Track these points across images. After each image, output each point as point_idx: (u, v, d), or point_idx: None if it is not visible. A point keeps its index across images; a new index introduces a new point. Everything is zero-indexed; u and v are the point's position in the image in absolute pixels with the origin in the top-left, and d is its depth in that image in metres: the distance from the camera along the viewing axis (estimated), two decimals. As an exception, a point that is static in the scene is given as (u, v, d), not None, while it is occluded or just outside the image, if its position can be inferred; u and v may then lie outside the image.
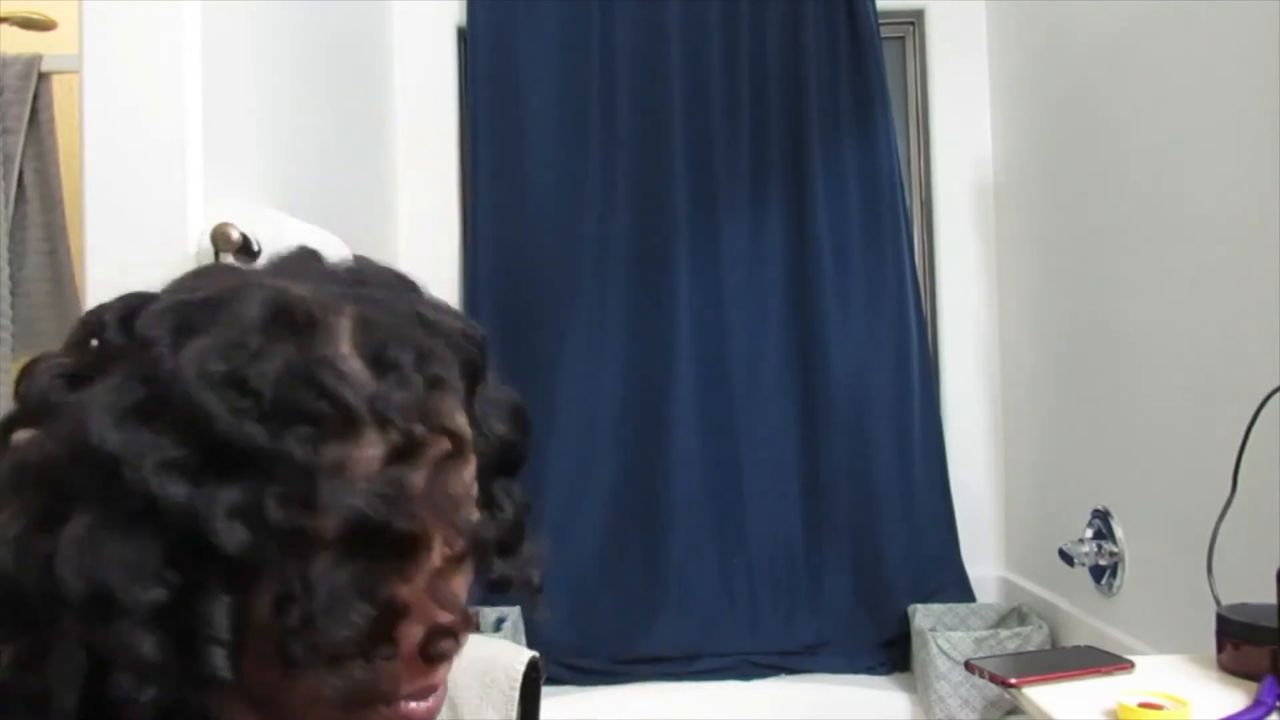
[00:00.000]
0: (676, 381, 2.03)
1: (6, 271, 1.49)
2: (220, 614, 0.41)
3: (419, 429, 0.44)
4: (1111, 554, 1.58)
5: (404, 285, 0.53)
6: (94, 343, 0.46)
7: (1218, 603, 0.97)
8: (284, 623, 0.42)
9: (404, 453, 0.44)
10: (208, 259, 1.06)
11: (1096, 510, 1.63)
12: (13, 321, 1.49)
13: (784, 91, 2.09)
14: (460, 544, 0.47)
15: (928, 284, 2.19)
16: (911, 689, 1.89)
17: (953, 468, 2.08)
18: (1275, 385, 1.01)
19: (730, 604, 2.02)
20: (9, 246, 1.50)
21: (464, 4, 2.14)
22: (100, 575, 0.40)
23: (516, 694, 0.72)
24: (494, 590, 0.55)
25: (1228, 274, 1.27)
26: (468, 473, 0.49)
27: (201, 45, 1.11)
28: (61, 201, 1.55)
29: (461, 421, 0.49)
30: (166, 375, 0.42)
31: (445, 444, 0.46)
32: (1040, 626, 1.78)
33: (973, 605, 1.98)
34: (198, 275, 0.52)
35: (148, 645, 0.40)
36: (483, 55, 2.09)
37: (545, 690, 0.76)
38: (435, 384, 0.46)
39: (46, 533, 0.41)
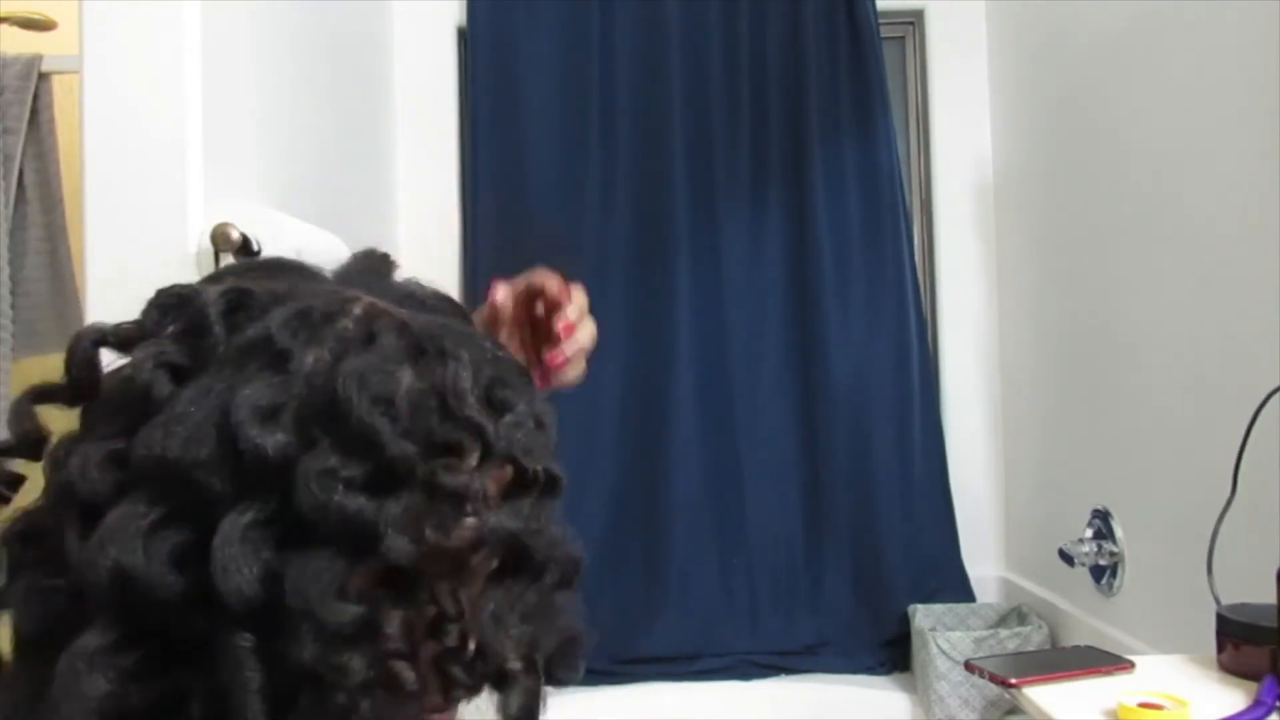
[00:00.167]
0: (676, 381, 2.03)
1: (6, 271, 1.49)
2: (395, 627, 0.42)
3: (537, 466, 0.47)
4: (1111, 554, 1.58)
5: (458, 311, 0.54)
6: (189, 333, 0.45)
7: (1218, 603, 0.97)
8: (443, 644, 0.44)
9: (522, 487, 0.47)
10: (208, 259, 1.06)
11: (1096, 510, 1.63)
12: (13, 321, 1.49)
13: (784, 91, 2.09)
14: (574, 571, 0.49)
15: (928, 284, 2.19)
16: (911, 689, 1.89)
17: (953, 468, 2.08)
18: (1275, 385, 1.01)
19: (730, 604, 2.02)
20: (9, 246, 1.50)
21: (464, 4, 2.14)
22: (290, 579, 0.40)
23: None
24: None
25: (1228, 274, 1.27)
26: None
27: (201, 45, 1.11)
28: (61, 201, 1.55)
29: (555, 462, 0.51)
30: (326, 389, 0.42)
31: (550, 481, 0.49)
32: (1040, 626, 1.78)
33: (973, 605, 1.98)
34: (273, 271, 0.51)
35: (354, 663, 0.41)
36: (483, 55, 2.09)
37: (545, 690, 0.76)
38: (540, 425, 0.49)
39: (178, 533, 0.41)
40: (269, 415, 0.42)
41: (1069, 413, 1.79)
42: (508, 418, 0.47)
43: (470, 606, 0.45)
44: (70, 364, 0.46)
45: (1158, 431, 1.45)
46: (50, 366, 0.50)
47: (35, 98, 1.54)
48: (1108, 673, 0.94)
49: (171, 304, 0.47)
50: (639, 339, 2.06)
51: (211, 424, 0.41)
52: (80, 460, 0.43)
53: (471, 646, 0.44)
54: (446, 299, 0.54)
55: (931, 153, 2.18)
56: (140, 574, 0.40)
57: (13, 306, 1.50)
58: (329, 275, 0.52)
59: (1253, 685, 0.88)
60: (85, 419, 0.47)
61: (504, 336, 0.74)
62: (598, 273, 2.06)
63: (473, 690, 0.45)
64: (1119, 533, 1.57)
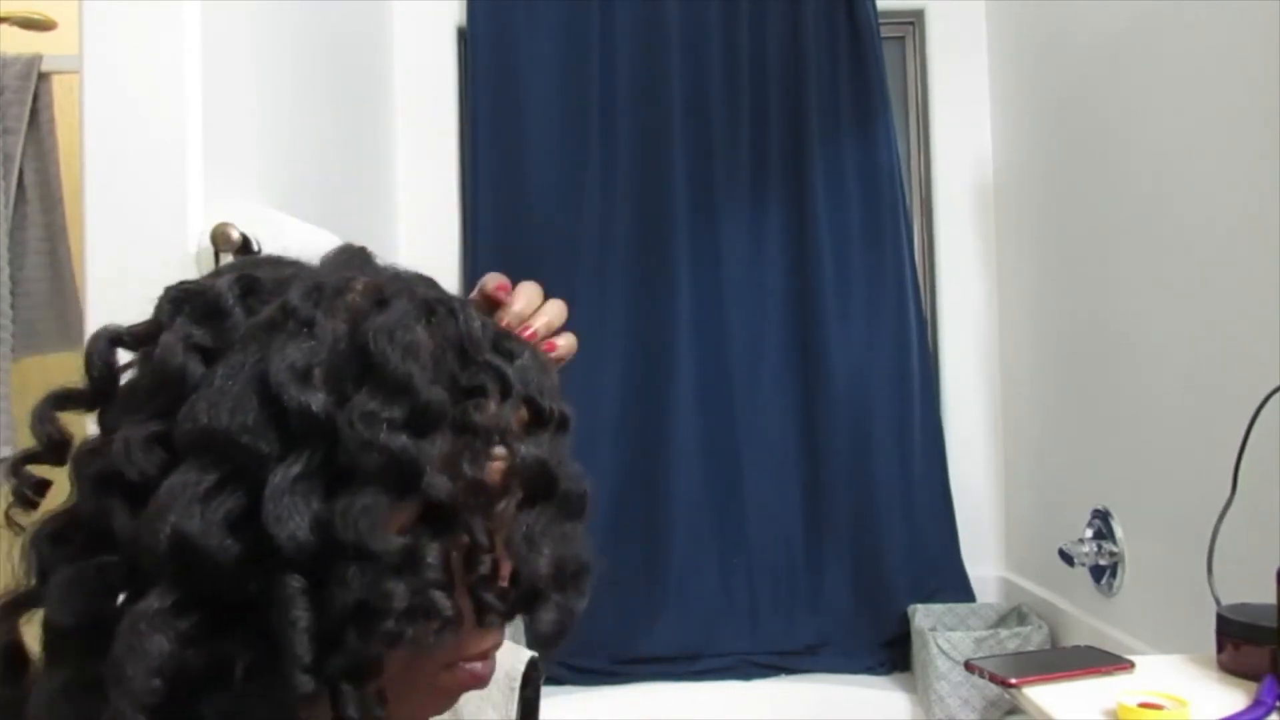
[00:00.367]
0: (676, 381, 2.03)
1: (6, 271, 1.49)
2: (435, 557, 0.45)
3: (551, 404, 0.51)
4: (1111, 554, 1.58)
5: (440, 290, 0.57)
6: (211, 316, 0.48)
7: (1218, 603, 0.97)
8: (477, 573, 0.47)
9: (540, 424, 0.51)
10: (208, 259, 1.06)
11: (1096, 510, 1.63)
12: (13, 321, 1.49)
13: (784, 91, 2.09)
14: (584, 502, 0.54)
15: (928, 284, 2.19)
16: (911, 689, 1.89)
17: (953, 468, 2.08)
18: (1275, 385, 1.01)
19: (730, 604, 2.01)
20: (9, 246, 1.50)
21: (464, 4, 2.14)
22: (338, 521, 0.43)
23: (516, 694, 0.72)
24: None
25: (1228, 274, 1.27)
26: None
27: (201, 45, 1.11)
28: (61, 201, 1.55)
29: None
30: (356, 345, 0.46)
31: (562, 419, 0.53)
32: (1040, 626, 1.78)
33: (973, 605, 1.98)
34: (273, 263, 0.53)
35: (399, 589, 0.43)
36: (483, 55, 2.09)
37: (545, 690, 0.76)
38: (545, 369, 0.53)
39: (230, 498, 0.43)
40: (305, 375, 0.45)
41: (1069, 413, 1.79)
42: (518, 362, 0.50)
43: (502, 536, 0.48)
44: (90, 366, 0.49)
45: (1158, 431, 1.45)
46: (50, 366, 0.52)
47: (35, 98, 1.54)
48: (1108, 673, 0.94)
49: (184, 296, 0.49)
50: (639, 339, 2.06)
51: (252, 392, 0.44)
52: (122, 444, 0.45)
53: (504, 574, 0.48)
54: (430, 279, 0.56)
55: (931, 153, 2.18)
56: (198, 538, 0.42)
57: (13, 306, 1.50)
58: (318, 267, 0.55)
59: (1253, 685, 0.87)
60: (114, 411, 0.49)
61: None
62: (598, 273, 2.06)
63: (505, 616, 0.48)
64: (1119, 533, 1.57)
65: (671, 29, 2.08)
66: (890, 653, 1.99)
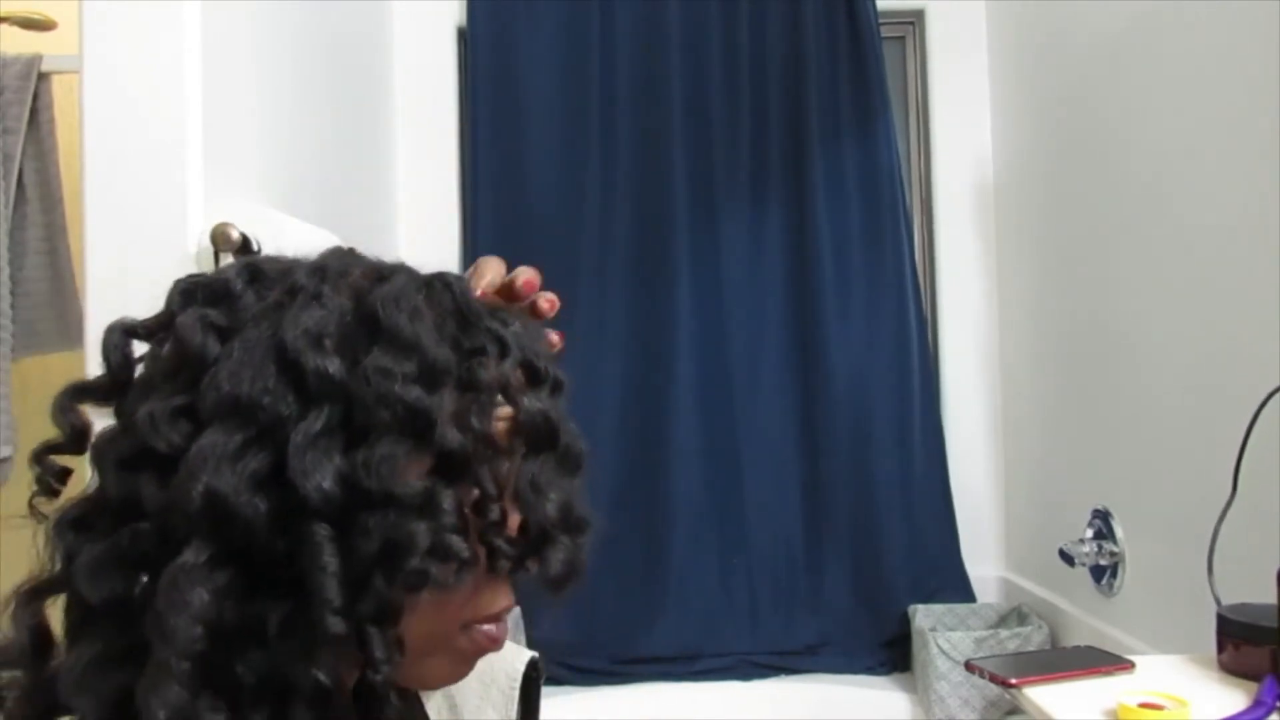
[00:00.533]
0: (676, 381, 2.03)
1: (6, 271, 1.49)
2: (450, 503, 0.48)
3: (546, 366, 0.54)
4: (1112, 554, 1.58)
5: None
6: (222, 299, 0.51)
7: (1218, 603, 0.97)
8: (487, 519, 0.50)
9: (537, 382, 0.54)
10: (207, 259, 1.06)
11: (1096, 510, 1.63)
12: (13, 321, 1.49)
13: (784, 91, 2.09)
14: (582, 459, 0.56)
15: (928, 284, 2.19)
16: (911, 689, 1.89)
17: (953, 468, 2.08)
18: (1275, 385, 1.01)
19: (730, 604, 2.01)
20: (9, 246, 1.50)
21: (464, 4, 2.14)
22: (360, 471, 0.46)
23: (516, 694, 0.72)
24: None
25: (1228, 274, 1.27)
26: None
27: (201, 45, 1.11)
28: (61, 201, 1.55)
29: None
30: (366, 312, 0.50)
31: (556, 380, 0.56)
32: (1040, 626, 1.78)
33: (973, 605, 1.98)
34: (272, 258, 0.56)
35: (421, 529, 0.47)
36: (483, 55, 2.09)
37: (545, 690, 0.76)
38: (537, 336, 0.57)
39: (256, 458, 0.46)
40: (319, 340, 0.48)
41: (1069, 413, 1.79)
42: (512, 328, 0.54)
43: (510, 490, 0.51)
44: (107, 358, 0.51)
45: (1158, 431, 1.45)
46: (50, 366, 0.53)
47: (35, 98, 1.54)
48: (1108, 673, 0.94)
49: (194, 286, 0.52)
50: (639, 338, 2.06)
51: (269, 360, 0.48)
52: (147, 418, 0.48)
53: (513, 522, 0.51)
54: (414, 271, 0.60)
55: (931, 153, 2.18)
56: (230, 495, 0.45)
57: (13, 306, 1.50)
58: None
59: (1253, 685, 0.87)
60: (131, 400, 0.51)
61: None
62: (598, 273, 2.06)
63: (516, 560, 0.51)
64: (1119, 533, 1.57)
65: (671, 29, 2.08)
66: (890, 653, 1.99)
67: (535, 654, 0.76)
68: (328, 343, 0.48)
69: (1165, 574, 1.43)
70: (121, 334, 0.52)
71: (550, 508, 0.51)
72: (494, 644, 0.56)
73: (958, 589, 2.01)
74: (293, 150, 1.47)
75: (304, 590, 0.46)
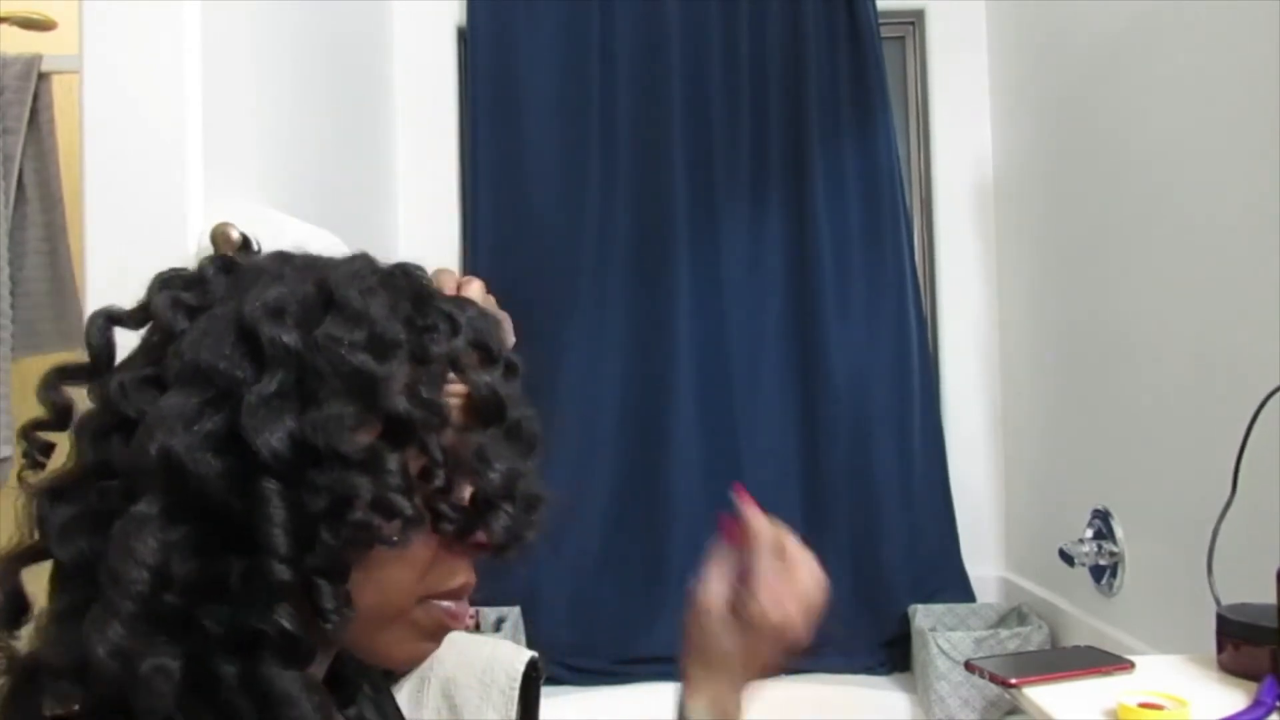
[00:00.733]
0: (676, 381, 2.03)
1: (6, 271, 1.48)
2: (395, 464, 0.51)
3: (499, 348, 0.57)
4: (1111, 554, 1.58)
5: None
6: (194, 283, 0.55)
7: (1218, 603, 0.97)
8: (432, 484, 0.52)
9: (489, 362, 0.57)
10: (208, 259, 1.06)
11: (1096, 510, 1.63)
12: (13, 321, 1.49)
13: (784, 91, 2.09)
14: (537, 440, 0.59)
15: (928, 284, 2.18)
16: (911, 689, 1.89)
17: (953, 468, 2.08)
18: (1275, 385, 1.01)
19: (730, 604, 2.01)
20: (9, 246, 1.50)
21: (464, 4, 2.14)
22: (309, 431, 0.49)
23: (516, 694, 0.72)
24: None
25: (1228, 274, 1.27)
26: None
27: (201, 45, 1.10)
28: (61, 201, 1.55)
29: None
30: (322, 288, 0.53)
31: (509, 364, 0.59)
32: (1040, 626, 1.78)
33: (973, 605, 1.98)
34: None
35: (364, 483, 0.49)
36: (483, 55, 2.09)
37: (545, 690, 0.76)
38: (496, 323, 0.60)
39: (212, 420, 0.49)
40: (276, 311, 0.51)
41: (1069, 413, 1.79)
42: (468, 313, 0.57)
43: (456, 453, 0.54)
44: (90, 343, 0.54)
45: (1158, 431, 1.45)
46: (50, 365, 0.55)
47: (35, 98, 1.53)
48: (1108, 673, 0.94)
49: (171, 274, 0.56)
50: (639, 338, 2.06)
51: (229, 329, 0.51)
52: (118, 385, 0.51)
53: (459, 489, 0.53)
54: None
55: (931, 153, 2.18)
56: (182, 452, 0.48)
57: (13, 306, 1.50)
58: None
59: (1253, 685, 0.88)
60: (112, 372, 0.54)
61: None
62: (598, 273, 2.06)
63: (460, 525, 0.53)
64: (1119, 533, 1.57)
65: (671, 29, 2.08)
66: (890, 653, 1.99)
67: (535, 654, 0.76)
68: (284, 315, 0.51)
69: (1165, 574, 1.43)
70: (105, 319, 0.55)
71: (494, 477, 0.54)
72: (454, 621, 0.58)
73: (958, 589, 2.01)
74: (293, 150, 1.47)
75: (259, 545, 0.48)
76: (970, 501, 2.10)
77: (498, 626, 1.85)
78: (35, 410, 0.55)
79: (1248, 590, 0.97)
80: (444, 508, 0.53)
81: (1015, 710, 1.69)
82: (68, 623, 0.48)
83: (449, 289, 0.66)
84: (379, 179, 2.04)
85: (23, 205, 1.53)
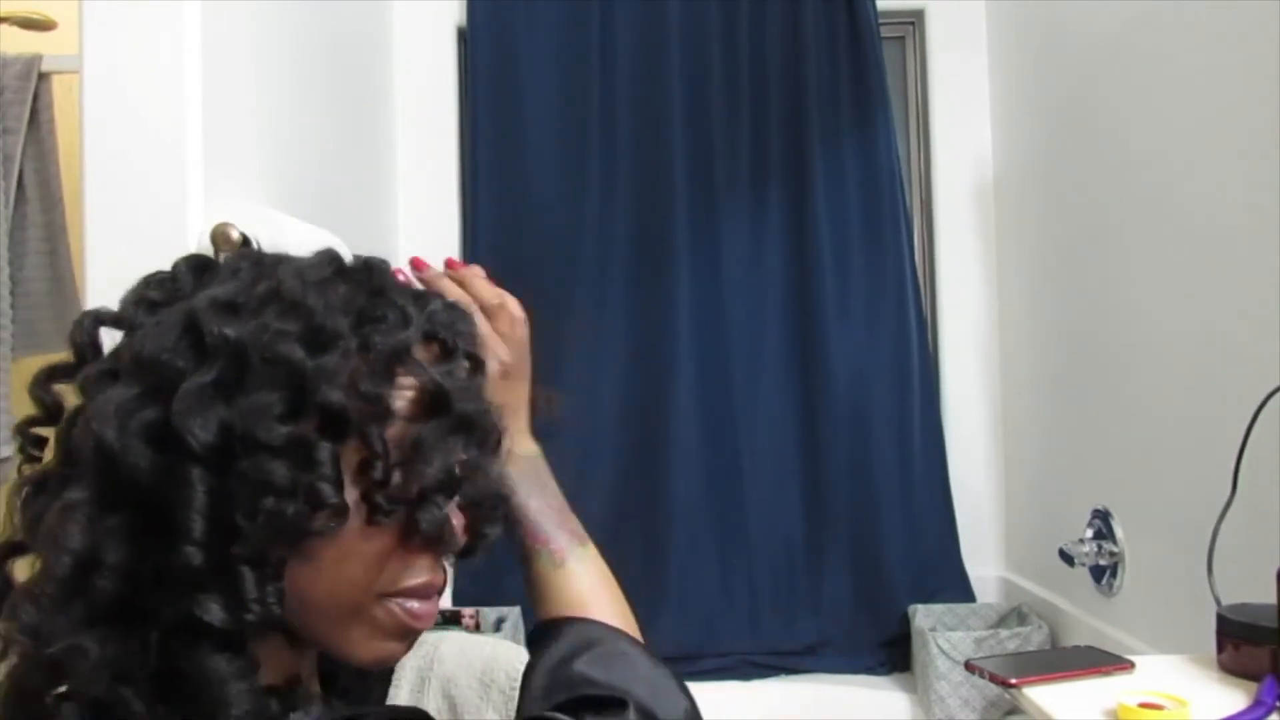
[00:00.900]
0: (676, 381, 2.03)
1: (6, 271, 1.48)
2: (325, 454, 0.51)
3: (455, 341, 0.58)
4: (1111, 554, 1.58)
5: None
6: (165, 282, 0.58)
7: (1218, 603, 0.97)
8: (370, 477, 0.53)
9: (448, 357, 0.57)
10: (208, 259, 1.06)
11: (1096, 510, 1.63)
12: (13, 321, 1.49)
13: (784, 91, 2.09)
14: (497, 433, 0.59)
15: (928, 284, 2.18)
16: (911, 689, 1.89)
17: (953, 468, 2.08)
18: (1275, 385, 1.00)
19: (730, 604, 2.01)
20: (9, 246, 1.49)
21: (464, 4, 2.14)
22: (237, 420, 0.50)
23: (516, 694, 0.72)
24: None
25: (1228, 274, 1.27)
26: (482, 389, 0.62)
27: (201, 45, 1.10)
28: (61, 201, 1.55)
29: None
30: (270, 280, 0.54)
31: (472, 359, 0.59)
32: (1040, 626, 1.78)
33: (973, 605, 1.98)
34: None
35: (280, 471, 0.50)
36: (483, 55, 2.09)
37: (545, 690, 0.76)
38: (464, 317, 0.60)
39: (149, 410, 0.50)
40: (223, 306, 0.52)
41: (1069, 413, 1.79)
42: (429, 308, 0.58)
43: (395, 446, 0.54)
44: (74, 342, 0.56)
45: (1158, 431, 1.45)
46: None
47: (35, 98, 1.53)
48: (1108, 673, 0.94)
49: (150, 275, 0.59)
50: (639, 338, 2.06)
51: (176, 323, 0.52)
52: (82, 380, 0.54)
53: (395, 480, 0.53)
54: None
55: (931, 153, 2.17)
56: (114, 441, 0.49)
57: (13, 306, 1.50)
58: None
59: (1253, 685, 0.87)
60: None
61: None
62: (598, 273, 2.06)
63: (390, 515, 0.53)
64: (1119, 533, 1.57)
65: (671, 29, 2.08)
66: (890, 653, 1.99)
67: (535, 654, 0.76)
68: (230, 309, 0.52)
69: (1165, 574, 1.43)
70: (91, 321, 0.57)
71: (428, 470, 0.54)
72: (416, 621, 0.57)
73: (958, 589, 2.01)
74: (293, 150, 1.47)
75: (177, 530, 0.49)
76: (970, 501, 2.10)
77: (498, 626, 1.85)
78: (34, 409, 0.57)
79: (1248, 590, 0.97)
80: (379, 500, 0.53)
81: (1015, 710, 1.69)
82: (15, 600, 0.50)
83: (448, 276, 0.67)
84: (379, 179, 2.04)
85: (23, 205, 1.53)
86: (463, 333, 0.59)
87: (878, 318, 2.05)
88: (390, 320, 0.55)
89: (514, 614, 1.87)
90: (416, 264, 0.75)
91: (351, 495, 0.53)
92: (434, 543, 0.56)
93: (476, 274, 0.73)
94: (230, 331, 0.51)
